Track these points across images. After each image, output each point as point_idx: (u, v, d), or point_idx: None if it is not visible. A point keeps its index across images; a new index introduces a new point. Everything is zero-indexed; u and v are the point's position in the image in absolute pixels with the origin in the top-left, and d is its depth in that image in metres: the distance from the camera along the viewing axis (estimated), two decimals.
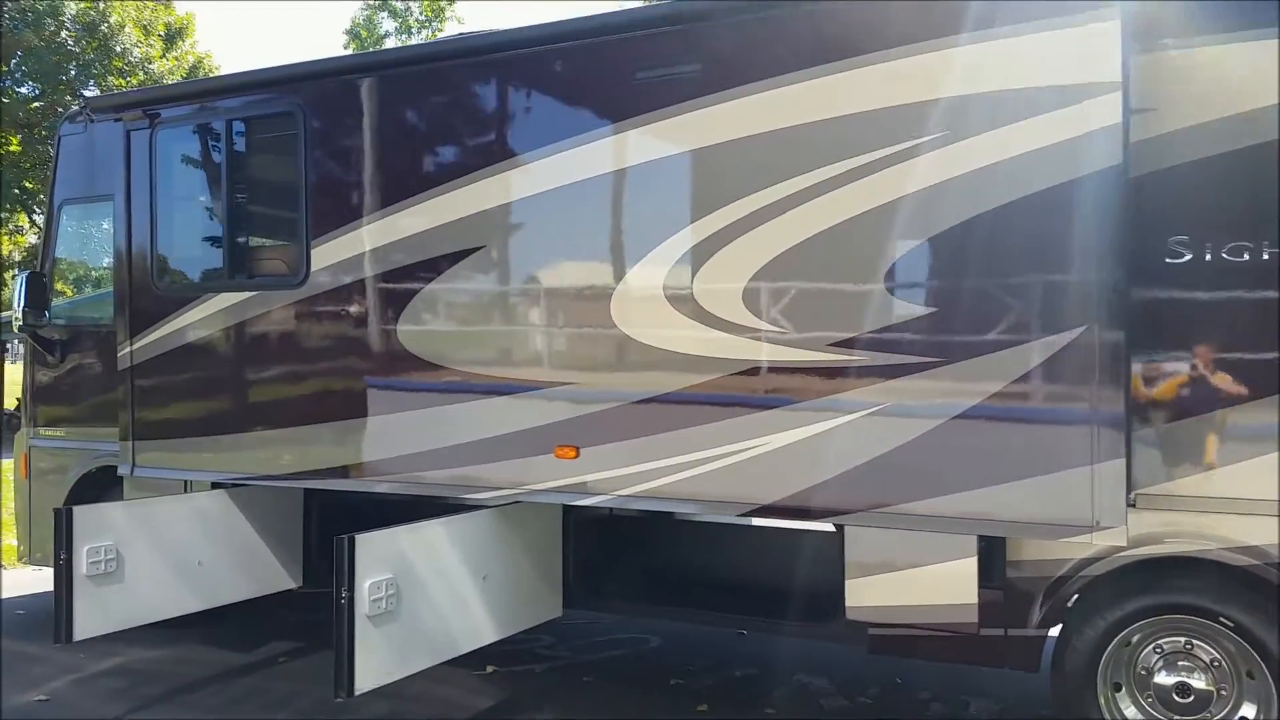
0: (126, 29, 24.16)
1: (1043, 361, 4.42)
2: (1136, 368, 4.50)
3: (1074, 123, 4.29)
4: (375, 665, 4.84)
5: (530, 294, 5.51)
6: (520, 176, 5.41)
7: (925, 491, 4.62)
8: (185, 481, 6.71)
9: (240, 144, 6.35)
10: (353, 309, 5.94)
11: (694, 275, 5.04)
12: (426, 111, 5.74)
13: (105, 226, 7.99)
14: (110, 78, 23.82)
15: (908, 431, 4.64)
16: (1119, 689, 4.82)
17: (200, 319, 6.44)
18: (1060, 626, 4.97)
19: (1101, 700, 4.82)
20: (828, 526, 5.47)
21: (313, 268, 6.01)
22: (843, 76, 4.66)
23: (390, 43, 30.80)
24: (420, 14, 31.75)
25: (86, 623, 5.67)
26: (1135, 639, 4.80)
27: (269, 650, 7.08)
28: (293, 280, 6.12)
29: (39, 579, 8.42)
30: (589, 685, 6.41)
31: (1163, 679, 4.76)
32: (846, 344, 4.74)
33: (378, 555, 4.88)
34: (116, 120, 6.68)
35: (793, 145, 4.78)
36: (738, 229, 4.92)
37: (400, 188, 5.75)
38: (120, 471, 6.80)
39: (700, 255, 5.02)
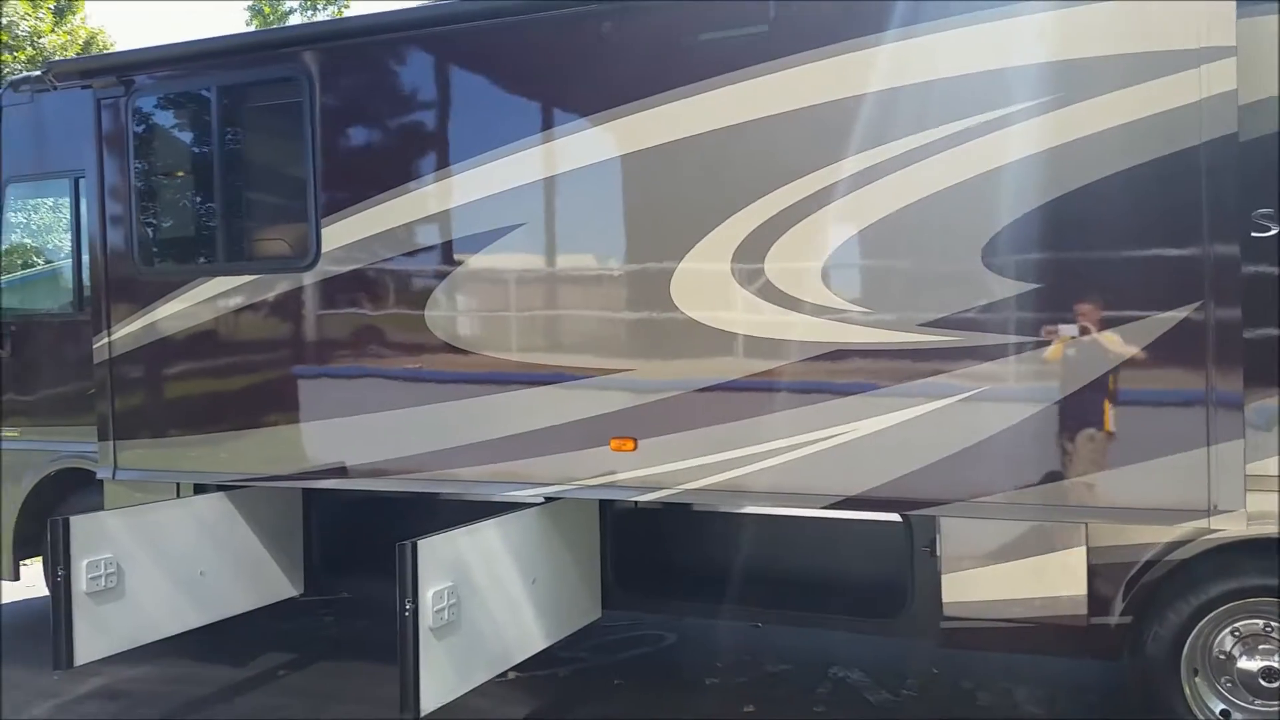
0: (12, 0, 22.61)
1: (1153, 340, 4.23)
2: None
3: (1190, 88, 4.10)
4: (440, 682, 4.44)
5: (579, 275, 5.11)
6: (568, 146, 5.00)
7: (1028, 479, 4.40)
8: (177, 485, 6.11)
9: (235, 113, 5.77)
10: (372, 292, 5.46)
11: (766, 253, 4.71)
12: (459, 76, 5.28)
13: (57, 207, 7.31)
14: None
15: (1009, 416, 4.41)
16: (1196, 674, 4.69)
17: (191, 305, 5.86)
18: (1137, 614, 4.80)
19: (1187, 689, 4.69)
20: (893, 517, 5.25)
21: (324, 248, 5.50)
22: (940, 37, 4.38)
23: (295, 19, 29.50)
24: None
25: (88, 645, 5.11)
26: (1213, 624, 4.66)
27: (265, 663, 6.55)
28: (300, 262, 5.59)
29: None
30: (623, 689, 6.07)
31: (1246, 664, 4.63)
32: (940, 324, 4.48)
33: (439, 561, 4.47)
34: (85, 87, 6.01)
35: (881, 111, 4.49)
36: (816, 201, 4.62)
37: (429, 160, 5.29)
38: (100, 475, 6.18)
39: (773, 231, 4.70)
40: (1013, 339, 4.38)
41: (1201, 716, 4.63)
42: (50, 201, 7.25)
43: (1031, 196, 4.33)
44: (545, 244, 5.12)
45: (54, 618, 5.04)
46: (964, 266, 4.43)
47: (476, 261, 5.22)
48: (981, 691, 5.85)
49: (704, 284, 4.84)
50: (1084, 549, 4.48)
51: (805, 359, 4.70)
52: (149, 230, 6.04)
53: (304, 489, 6.25)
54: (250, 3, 30.31)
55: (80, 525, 5.12)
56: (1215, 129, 4.09)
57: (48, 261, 7.54)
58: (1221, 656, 4.67)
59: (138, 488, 6.21)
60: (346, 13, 28.99)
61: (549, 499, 5.36)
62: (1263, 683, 4.61)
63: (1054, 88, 4.25)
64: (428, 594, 4.38)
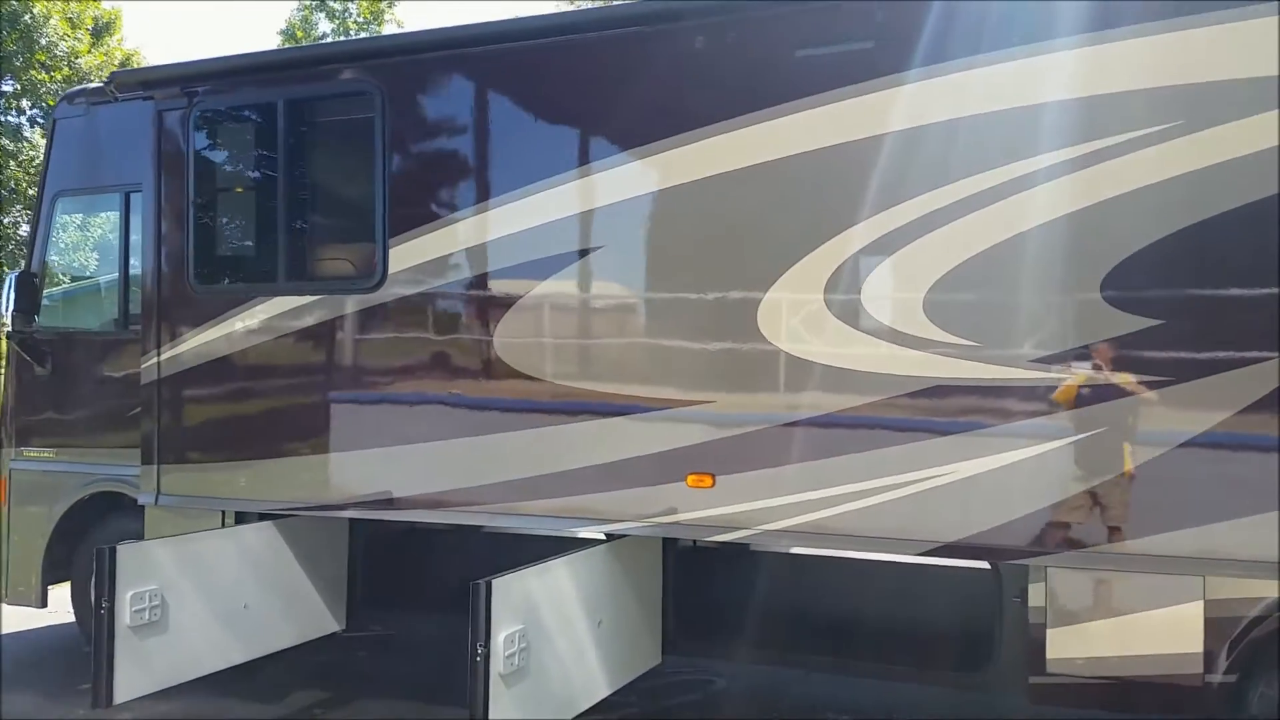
0: (52, 21, 22.75)
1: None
2: None
3: None
4: None
5: (658, 302, 4.86)
6: (649, 168, 4.78)
7: (1145, 529, 4.12)
8: (222, 513, 5.84)
9: (301, 127, 5.57)
10: (439, 316, 5.24)
11: (863, 282, 4.46)
12: (536, 94, 5.06)
13: (107, 222, 7.13)
14: (33, 71, 22.39)
15: (1125, 460, 4.14)
16: None
17: (248, 326, 5.63)
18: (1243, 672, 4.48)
19: None
20: (981, 564, 4.96)
21: (390, 269, 5.27)
22: (1057, 57, 4.15)
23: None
24: (358, 15, 30.68)
25: (129, 682, 4.83)
26: None
27: (299, 700, 6.22)
28: (366, 283, 5.37)
29: (20, 616, 7.40)
30: None
31: None
32: (1052, 360, 4.21)
33: (510, 603, 4.19)
34: (146, 99, 5.83)
35: (992, 134, 4.25)
36: (918, 228, 4.37)
37: (503, 180, 5.07)
38: (142, 500, 5.94)
39: (871, 259, 4.45)
40: (1134, 378, 4.10)
41: None
42: (100, 217, 7.05)
43: (1154, 227, 4.08)
44: (626, 268, 4.89)
45: (94, 652, 4.78)
46: (1081, 300, 4.17)
47: (552, 285, 4.99)
48: None
49: (794, 314, 4.59)
50: (1201, 603, 4.17)
51: (902, 394, 4.44)
52: (206, 247, 5.82)
53: (349, 520, 6.00)
54: (284, 29, 30.57)
55: (127, 555, 4.87)
56: None
57: (92, 277, 7.34)
58: None
59: (178, 514, 5.94)
60: (410, 27, 29.17)
61: (610, 536, 5.09)
62: None
63: (1180, 113, 4.00)
64: (499, 638, 4.10)
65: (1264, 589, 4.29)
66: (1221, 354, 4.03)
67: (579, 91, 4.99)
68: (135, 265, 6.75)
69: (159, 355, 5.83)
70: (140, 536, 6.36)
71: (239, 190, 5.98)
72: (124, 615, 4.81)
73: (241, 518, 5.95)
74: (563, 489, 4.97)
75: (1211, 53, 3.98)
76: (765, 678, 6.48)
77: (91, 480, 6.65)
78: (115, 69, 23.31)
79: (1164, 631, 4.19)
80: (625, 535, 5.06)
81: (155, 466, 5.85)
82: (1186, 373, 4.06)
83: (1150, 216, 4.06)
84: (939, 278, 4.36)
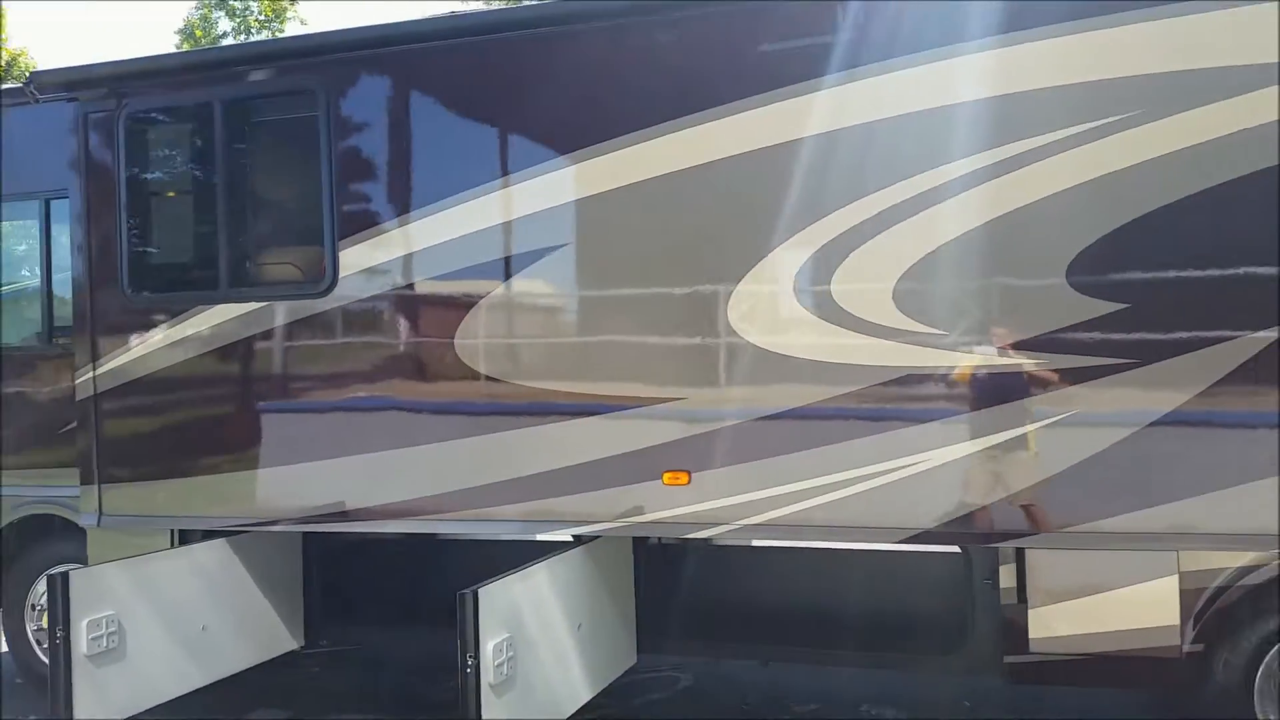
0: None
1: (1246, 360, 4.06)
2: None
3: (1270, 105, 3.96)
4: None
5: (626, 298, 4.79)
6: (614, 162, 4.69)
7: (1120, 507, 4.20)
8: (171, 531, 5.60)
9: (240, 128, 5.34)
10: (395, 320, 5.10)
11: (833, 273, 4.46)
12: (492, 91, 4.93)
13: (25, 231, 6.79)
14: None
15: (1097, 442, 4.22)
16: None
17: (188, 335, 5.41)
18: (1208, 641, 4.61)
19: (1260, 716, 4.52)
20: (951, 549, 5.02)
21: (341, 273, 5.11)
22: (1020, 49, 4.19)
23: (228, 42, 28.79)
24: (260, 13, 29.82)
25: (88, 713, 4.60)
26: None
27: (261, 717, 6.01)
28: (314, 288, 5.19)
29: None
30: None
31: None
32: (1022, 346, 4.27)
33: (496, 611, 4.10)
34: (70, 100, 5.54)
35: (957, 124, 4.28)
36: (887, 219, 4.38)
37: (460, 178, 4.93)
38: (83, 522, 5.67)
39: (840, 250, 4.45)
40: (1102, 361, 4.18)
41: None
42: (16, 225, 6.69)
43: (1116, 214, 4.15)
44: (590, 265, 4.81)
45: (51, 684, 4.55)
46: (1048, 286, 4.23)
47: (515, 285, 4.88)
48: None
49: (763, 307, 4.57)
50: (1176, 577, 4.28)
51: (874, 384, 4.46)
52: (140, 255, 5.55)
53: (303, 534, 5.83)
54: (182, 27, 29.60)
55: (80, 580, 4.64)
56: None
57: (10, 289, 6.98)
58: None
59: (121, 534, 5.68)
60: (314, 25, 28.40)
61: (577, 538, 5.03)
62: None
63: (1137, 103, 4.08)
64: (488, 647, 4.00)
65: (1224, 560, 4.44)
66: (1185, 335, 4.12)
67: (533, 89, 4.88)
68: (58, 276, 6.45)
69: (94, 369, 5.56)
70: (74, 559, 6.13)
71: (174, 195, 5.73)
72: (80, 644, 4.59)
73: (185, 535, 5.72)
74: (535, 492, 4.88)
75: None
76: (730, 673, 6.49)
77: (20, 504, 6.33)
78: (1, 71, 22.34)
79: (1141, 606, 4.28)
80: (597, 536, 4.99)
81: (95, 486, 5.58)
82: (1153, 355, 4.15)
83: (1110, 204, 4.13)
84: (908, 267, 4.38)
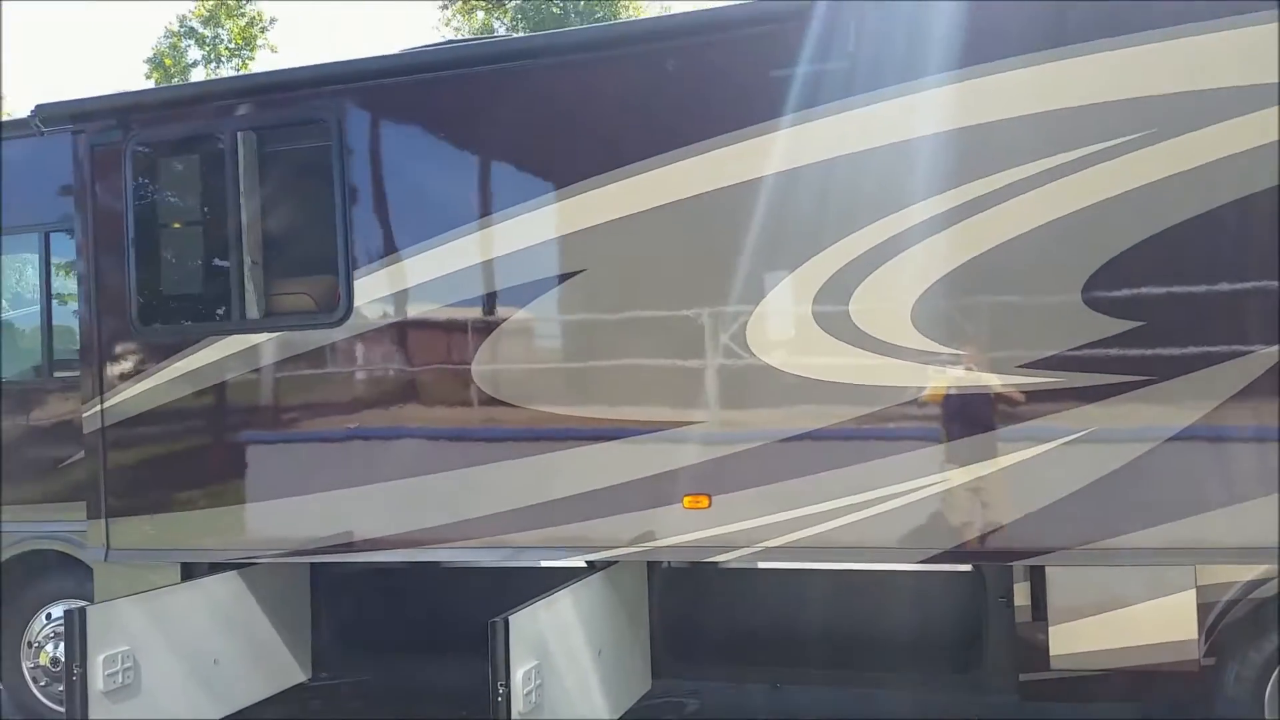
0: None
1: (1260, 375, 4.15)
2: None
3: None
4: None
5: (645, 323, 4.80)
6: (632, 188, 4.73)
7: (1137, 523, 4.27)
8: (180, 565, 5.54)
9: (250, 158, 5.33)
10: (411, 348, 5.10)
11: (851, 294, 4.51)
12: (505, 119, 4.96)
13: (24, 264, 6.74)
14: None
15: (1115, 458, 4.28)
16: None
17: (199, 368, 5.38)
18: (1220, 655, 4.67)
19: None
20: (964, 567, 5.06)
21: (356, 303, 5.11)
22: (1034, 71, 4.28)
23: (198, 73, 28.67)
24: (230, 41, 29.70)
25: None
26: None
27: None
28: (329, 318, 5.18)
29: None
30: None
31: None
32: (1039, 365, 4.33)
33: (524, 639, 4.09)
34: (78, 132, 5.52)
35: (970, 147, 4.36)
36: (903, 241, 4.45)
37: (474, 206, 4.96)
38: (90, 558, 5.60)
39: (857, 272, 4.50)
40: (1118, 379, 4.25)
41: None
42: (15, 258, 6.65)
43: (1131, 232, 4.23)
44: (609, 291, 4.82)
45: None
46: (1065, 304, 4.30)
47: (532, 310, 4.90)
48: None
49: (783, 328, 4.62)
50: (1194, 591, 4.35)
51: (893, 405, 4.51)
52: (149, 287, 5.53)
53: (310, 565, 5.80)
54: (151, 56, 29.40)
55: (96, 615, 4.58)
56: None
57: (9, 323, 6.92)
58: None
59: (128, 568, 5.61)
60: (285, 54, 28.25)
61: (591, 563, 5.05)
62: None
63: (1153, 122, 4.17)
64: (518, 675, 4.00)
65: (1233, 574, 4.50)
66: (1200, 351, 4.20)
67: (552, 116, 4.91)
68: (58, 309, 6.41)
69: (101, 403, 5.51)
70: (72, 595, 6.07)
71: (184, 226, 5.69)
72: (97, 680, 4.53)
73: (190, 568, 5.67)
74: (554, 519, 4.88)
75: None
76: (739, 698, 6.48)
77: (17, 540, 6.25)
78: None
79: (1160, 621, 4.34)
80: (614, 562, 4.99)
81: (103, 520, 5.52)
82: (1168, 371, 4.22)
83: (1126, 223, 4.21)
84: (925, 289, 4.44)
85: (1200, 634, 4.37)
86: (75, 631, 4.48)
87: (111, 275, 5.50)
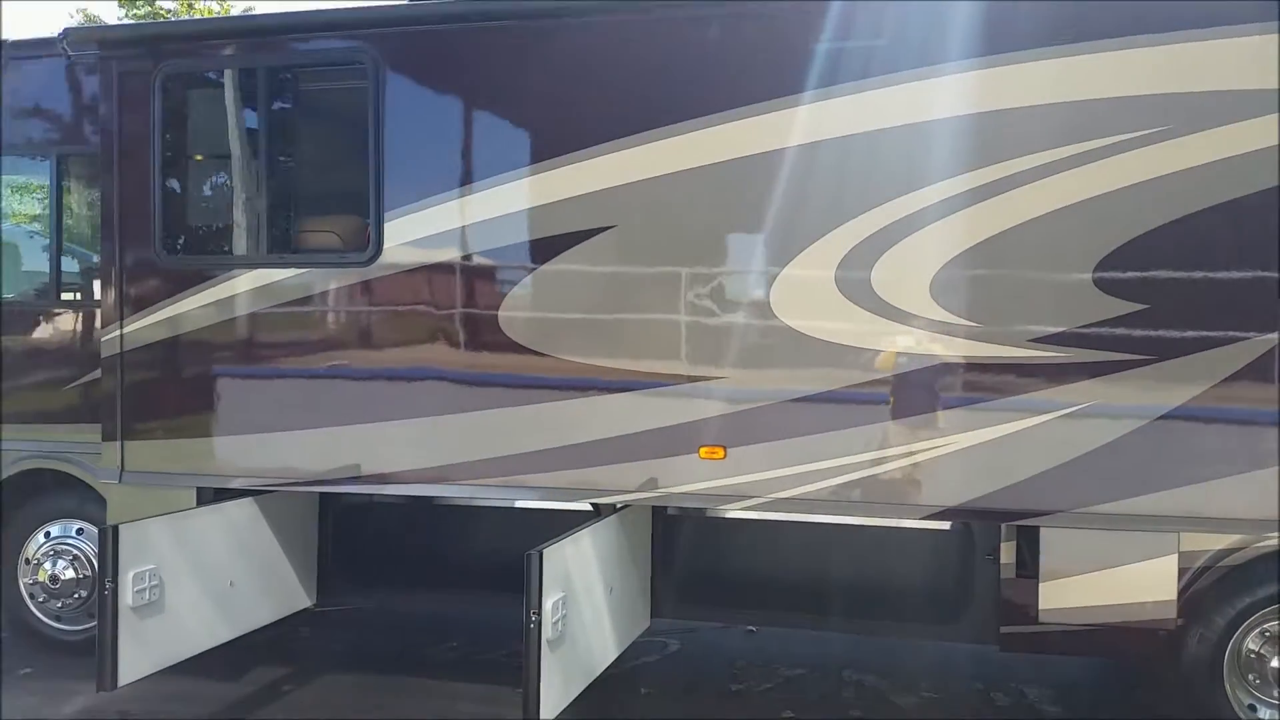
0: None
1: (1254, 360, 4.46)
2: None
3: None
4: (555, 694, 4.34)
5: (671, 280, 4.98)
6: (668, 148, 4.89)
7: (1129, 491, 4.57)
8: (196, 489, 5.65)
9: (285, 95, 5.42)
10: (439, 292, 5.22)
11: (873, 264, 4.74)
12: (544, 74, 5.07)
13: (34, 186, 6.73)
14: None
15: (1112, 431, 4.57)
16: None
17: (222, 299, 5.46)
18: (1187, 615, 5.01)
19: (1228, 688, 4.94)
20: (944, 525, 5.34)
21: (386, 243, 5.22)
22: (1063, 62, 4.51)
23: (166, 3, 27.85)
24: None
25: (132, 664, 4.70)
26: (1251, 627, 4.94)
27: (262, 677, 6.06)
28: (358, 257, 5.29)
29: None
30: (654, 697, 5.94)
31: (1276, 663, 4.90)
32: (1049, 340, 4.60)
33: (554, 571, 4.31)
34: (106, 58, 5.53)
35: (998, 130, 4.58)
36: (927, 216, 4.67)
37: (510, 157, 5.08)
38: (102, 478, 5.69)
39: (881, 242, 4.73)
40: (1122, 356, 4.54)
41: (1239, 714, 4.88)
42: (27, 180, 6.63)
43: (1143, 220, 4.50)
44: (639, 247, 4.99)
45: (99, 635, 4.63)
46: (1077, 283, 4.56)
47: (561, 262, 5.04)
48: (997, 693, 6.01)
49: (806, 292, 4.82)
50: (1176, 556, 4.68)
51: (907, 370, 4.75)
52: (174, 218, 5.58)
53: (320, 496, 5.94)
54: None
55: (128, 534, 4.70)
56: None
57: (19, 244, 6.91)
58: (1252, 656, 4.93)
59: (140, 490, 5.70)
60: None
61: (596, 508, 5.27)
62: None
63: (1167, 119, 4.43)
64: (548, 604, 4.22)
65: (1206, 542, 4.84)
66: (1199, 335, 4.50)
67: (593, 72, 5.03)
68: (69, 232, 6.43)
69: (121, 328, 5.58)
70: (72, 514, 6.18)
71: (211, 159, 5.74)
72: (127, 596, 4.67)
73: (200, 494, 5.78)
74: (573, 462, 5.07)
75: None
76: (716, 639, 6.78)
77: (19, 457, 6.32)
78: None
79: (1143, 582, 4.67)
80: (623, 507, 5.21)
81: (118, 442, 5.61)
82: (1169, 352, 4.52)
83: (1138, 211, 4.48)
84: (944, 262, 4.67)
85: (1178, 596, 4.71)
86: (108, 548, 4.60)
87: (136, 203, 5.54)
